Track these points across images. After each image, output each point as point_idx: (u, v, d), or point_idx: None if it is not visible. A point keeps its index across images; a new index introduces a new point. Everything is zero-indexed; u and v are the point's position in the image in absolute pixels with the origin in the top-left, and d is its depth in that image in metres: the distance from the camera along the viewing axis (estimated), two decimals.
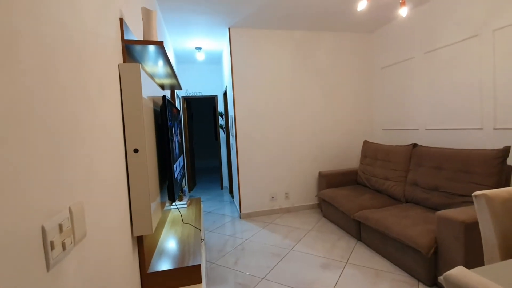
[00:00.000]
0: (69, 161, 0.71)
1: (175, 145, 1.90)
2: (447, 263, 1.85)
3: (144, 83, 1.32)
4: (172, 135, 1.73)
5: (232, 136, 4.05)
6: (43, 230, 0.58)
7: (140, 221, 1.25)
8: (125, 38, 1.34)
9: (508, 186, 2.12)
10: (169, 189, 1.60)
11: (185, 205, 2.55)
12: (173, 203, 2.54)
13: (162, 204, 1.68)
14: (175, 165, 1.76)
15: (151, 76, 2.01)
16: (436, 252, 1.93)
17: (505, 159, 2.09)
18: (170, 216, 2.35)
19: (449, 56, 2.78)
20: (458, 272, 0.57)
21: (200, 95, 5.40)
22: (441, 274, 1.90)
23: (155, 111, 1.63)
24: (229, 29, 3.55)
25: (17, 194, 0.51)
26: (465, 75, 2.62)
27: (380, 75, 3.90)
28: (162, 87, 2.54)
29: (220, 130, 5.57)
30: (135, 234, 1.25)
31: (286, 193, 3.86)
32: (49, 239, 0.59)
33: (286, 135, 3.83)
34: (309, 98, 3.89)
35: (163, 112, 1.57)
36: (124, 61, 1.31)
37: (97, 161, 0.90)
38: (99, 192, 0.91)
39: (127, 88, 1.22)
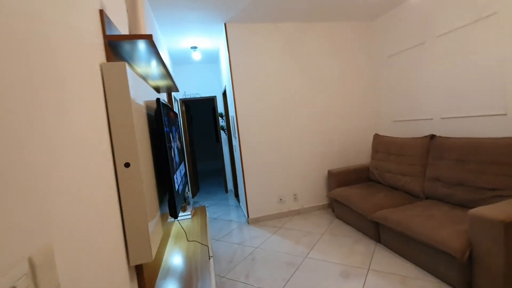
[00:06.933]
0: (34, 192, 0.52)
1: (175, 152, 1.71)
2: (485, 267, 1.65)
3: (134, 85, 1.13)
4: (170, 142, 1.54)
5: (235, 137, 3.86)
6: None
7: (137, 247, 1.06)
8: (108, 33, 1.15)
9: None
10: (170, 204, 1.41)
11: (190, 216, 2.36)
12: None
13: (164, 219, 1.50)
14: (175, 176, 1.57)
15: (144, 78, 1.81)
16: (471, 255, 1.73)
17: None
18: (174, 229, 2.16)
19: (464, 38, 2.57)
20: None
21: (199, 96, 5.21)
22: (478, 279, 1.70)
23: (150, 117, 1.44)
24: (225, 24, 3.35)
25: None
26: (483, 56, 2.42)
27: (387, 64, 3.69)
28: (158, 90, 2.35)
29: (221, 131, 5.38)
30: (132, 264, 1.06)
31: (294, 195, 3.67)
32: None
33: (290, 133, 3.63)
34: (313, 94, 3.69)
35: (158, 117, 1.38)
36: (108, 61, 1.12)
37: (76, 184, 0.71)
38: (81, 221, 0.72)
39: (112, 91, 1.02)
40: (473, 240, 1.71)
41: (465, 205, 2.22)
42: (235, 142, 3.94)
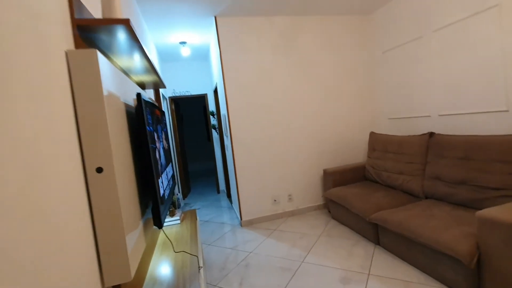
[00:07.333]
0: None
1: (160, 154, 1.56)
2: (496, 272, 1.56)
3: (109, 77, 0.97)
4: (154, 143, 1.38)
5: (227, 136, 3.71)
6: None
7: (112, 266, 0.91)
8: (78, 17, 0.99)
9: None
10: (154, 212, 1.25)
11: (178, 221, 2.21)
12: (163, 225, 2.20)
13: (148, 227, 1.34)
14: (160, 180, 1.42)
15: (126, 72, 1.65)
16: (479, 259, 1.64)
17: None
18: (161, 236, 2.01)
19: (463, 31, 2.48)
20: None
21: (189, 94, 5.03)
22: (487, 285, 1.61)
23: (131, 115, 1.28)
24: (215, 18, 3.19)
25: None
26: (484, 51, 2.33)
27: (382, 60, 3.60)
28: (143, 86, 2.19)
29: (213, 130, 5.22)
30: (108, 285, 0.91)
31: (289, 195, 3.55)
32: None
33: (284, 131, 3.50)
34: (307, 90, 3.57)
35: (139, 114, 1.23)
36: (78, 49, 0.96)
37: (31, 192, 0.56)
38: (39, 240, 0.56)
39: (81, 83, 0.87)
40: (481, 243, 1.61)
41: (468, 205, 2.13)
42: (227, 141, 3.80)
